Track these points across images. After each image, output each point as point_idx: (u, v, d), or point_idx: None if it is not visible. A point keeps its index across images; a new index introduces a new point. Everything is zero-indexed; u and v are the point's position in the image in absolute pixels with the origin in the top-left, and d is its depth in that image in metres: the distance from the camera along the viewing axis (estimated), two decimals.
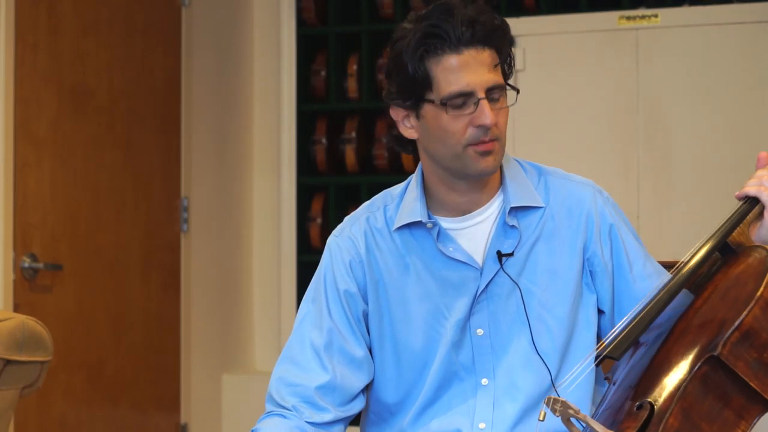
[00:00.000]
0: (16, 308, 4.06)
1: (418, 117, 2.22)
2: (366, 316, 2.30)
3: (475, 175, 2.22)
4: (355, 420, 2.35)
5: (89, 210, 4.41)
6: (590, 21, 4.63)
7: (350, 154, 5.24)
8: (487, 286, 2.24)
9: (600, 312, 2.30)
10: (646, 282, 2.26)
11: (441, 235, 2.26)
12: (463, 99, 2.16)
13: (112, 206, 4.53)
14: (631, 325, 2.05)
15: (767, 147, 4.35)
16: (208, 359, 5.05)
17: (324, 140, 5.27)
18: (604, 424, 1.93)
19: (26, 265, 4.12)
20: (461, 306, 2.25)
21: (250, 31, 5.33)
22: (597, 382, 2.28)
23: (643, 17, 4.54)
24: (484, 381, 2.25)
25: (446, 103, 2.16)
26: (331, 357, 2.27)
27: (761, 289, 1.95)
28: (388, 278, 2.28)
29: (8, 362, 2.89)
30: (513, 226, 2.25)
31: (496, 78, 2.18)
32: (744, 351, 1.92)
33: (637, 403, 1.94)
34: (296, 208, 5.30)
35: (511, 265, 2.24)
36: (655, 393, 1.93)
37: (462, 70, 2.15)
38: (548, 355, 2.23)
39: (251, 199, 5.34)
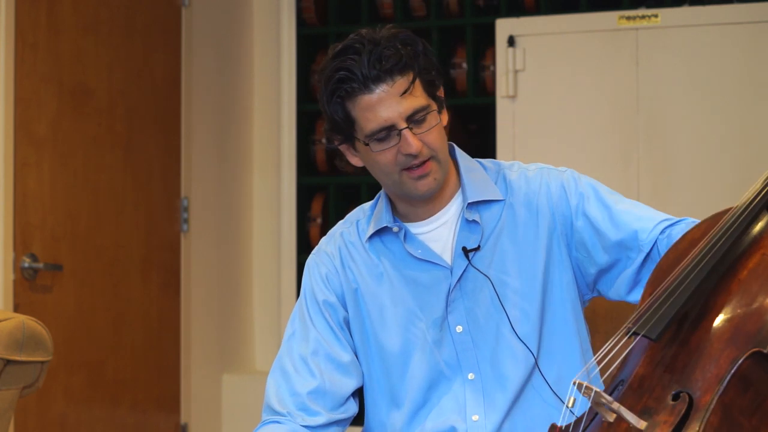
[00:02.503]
0: (16, 308, 4.05)
1: (355, 149, 2.29)
2: (348, 322, 2.36)
3: (418, 198, 2.28)
4: (356, 420, 2.37)
5: (89, 210, 4.41)
6: (590, 21, 4.62)
7: None
8: (458, 282, 2.29)
9: (598, 275, 2.29)
10: (623, 227, 2.26)
11: (408, 238, 2.32)
12: (386, 132, 2.21)
13: (112, 206, 4.53)
14: (670, 301, 1.93)
15: (767, 147, 4.35)
16: (208, 359, 5.04)
17: (324, 140, 5.27)
18: (632, 403, 1.88)
19: (26, 265, 4.12)
20: (436, 306, 2.30)
21: (250, 31, 5.32)
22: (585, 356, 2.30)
23: (643, 17, 4.53)
24: (471, 375, 2.28)
25: (371, 140, 2.22)
26: (319, 363, 2.32)
27: None
28: (364, 287, 2.34)
29: (8, 362, 2.88)
30: (474, 221, 2.30)
31: (414, 103, 2.21)
32: None
33: (673, 392, 1.87)
34: (296, 208, 5.30)
35: (479, 259, 2.29)
36: (692, 383, 1.86)
37: (378, 106, 2.20)
38: (528, 338, 2.26)
39: (251, 199, 5.33)
